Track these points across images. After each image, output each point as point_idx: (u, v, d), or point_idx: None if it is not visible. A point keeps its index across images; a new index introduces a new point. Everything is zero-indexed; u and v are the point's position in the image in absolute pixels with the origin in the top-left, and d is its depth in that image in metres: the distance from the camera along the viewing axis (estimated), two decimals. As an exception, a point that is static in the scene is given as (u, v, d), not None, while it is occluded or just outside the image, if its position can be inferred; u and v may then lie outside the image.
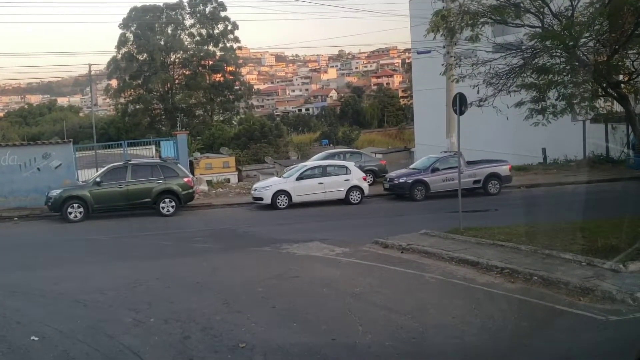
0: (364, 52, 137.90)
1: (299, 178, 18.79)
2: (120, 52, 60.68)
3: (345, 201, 18.71)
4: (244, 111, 68.07)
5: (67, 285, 9.28)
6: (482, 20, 11.39)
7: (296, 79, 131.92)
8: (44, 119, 77.41)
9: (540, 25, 11.28)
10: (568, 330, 6.70)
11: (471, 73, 12.13)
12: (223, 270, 10.44)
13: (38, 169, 19.51)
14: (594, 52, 11.27)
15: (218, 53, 62.95)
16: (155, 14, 61.34)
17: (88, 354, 6.22)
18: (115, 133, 57.35)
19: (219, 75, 63.91)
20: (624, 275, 8.00)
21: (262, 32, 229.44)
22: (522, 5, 11.33)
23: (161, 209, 17.73)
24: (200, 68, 62.86)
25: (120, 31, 60.83)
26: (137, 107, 61.79)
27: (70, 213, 17.04)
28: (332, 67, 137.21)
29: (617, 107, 13.26)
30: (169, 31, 62.18)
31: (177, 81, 63.30)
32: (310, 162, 21.47)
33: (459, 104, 12.26)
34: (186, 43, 62.80)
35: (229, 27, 62.71)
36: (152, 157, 23.64)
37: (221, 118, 64.48)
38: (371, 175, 21.55)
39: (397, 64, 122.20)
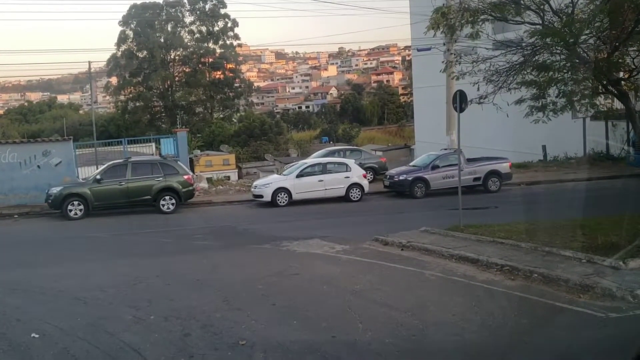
0: (364, 50, 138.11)
1: (299, 175, 18.80)
2: (120, 49, 60.57)
3: (345, 198, 18.71)
4: (244, 108, 67.98)
5: (67, 283, 9.28)
6: (482, 17, 11.38)
7: (296, 77, 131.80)
8: (43, 116, 77.38)
9: (540, 22, 11.26)
10: (568, 327, 6.70)
11: (471, 70, 12.13)
12: (223, 267, 10.44)
13: (38, 166, 19.51)
14: (594, 50, 11.26)
15: (218, 50, 62.85)
16: (155, 11, 61.23)
17: (88, 351, 6.22)
18: (115, 130, 57.29)
19: (219, 73, 63.79)
20: (624, 273, 8.00)
21: (262, 29, 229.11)
22: (522, 2, 11.31)
23: (161, 207, 17.73)
24: (200, 65, 62.74)
25: (120, 28, 60.80)
26: (137, 104, 61.71)
27: (71, 210, 17.06)
28: (332, 64, 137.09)
29: (618, 105, 13.27)
30: (169, 28, 62.05)
31: (177, 78, 63.20)
32: (310, 160, 21.50)
33: (459, 101, 12.25)
34: (186, 40, 62.69)
35: (229, 25, 62.62)
36: (152, 154, 23.65)
37: (221, 115, 64.37)
38: (371, 173, 21.56)
39: (397, 62, 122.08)
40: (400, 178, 19.21)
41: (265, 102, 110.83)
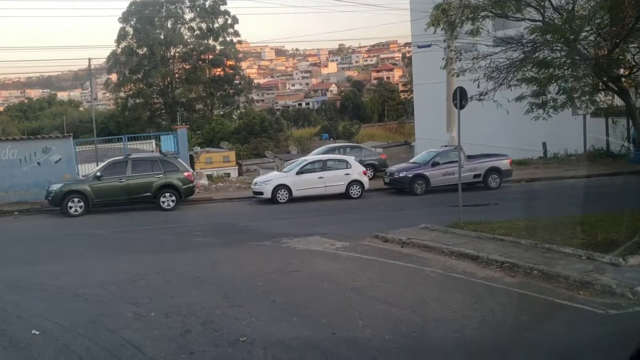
0: (364, 46, 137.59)
1: (299, 172, 18.80)
2: (120, 46, 60.45)
3: (345, 195, 18.71)
4: (244, 105, 67.96)
5: (68, 280, 9.30)
6: (482, 13, 11.36)
7: (296, 73, 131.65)
8: (43, 113, 77.21)
9: (541, 18, 11.24)
10: (568, 324, 6.71)
11: (472, 67, 12.10)
12: (223, 264, 10.45)
13: (38, 163, 19.50)
14: (594, 46, 11.24)
15: (218, 47, 62.75)
16: (155, 7, 61.08)
17: (89, 348, 6.23)
18: (115, 127, 57.18)
19: (219, 70, 63.72)
20: (624, 269, 8.01)
21: (262, 26, 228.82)
22: (522, -2, 11.29)
23: (161, 204, 17.75)
24: (200, 62, 62.66)
25: (120, 25, 60.62)
26: (137, 101, 61.64)
27: (71, 207, 17.07)
28: (332, 61, 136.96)
29: (618, 101, 13.26)
30: (169, 25, 61.93)
31: (177, 75, 63.11)
32: (311, 157, 21.49)
33: (460, 98, 12.24)
34: (186, 37, 62.59)
35: (229, 21, 62.50)
36: (152, 151, 23.66)
37: (221, 112, 64.28)
38: (371, 170, 21.55)
39: (397, 58, 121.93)
40: (401, 175, 19.21)
41: (265, 99, 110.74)
